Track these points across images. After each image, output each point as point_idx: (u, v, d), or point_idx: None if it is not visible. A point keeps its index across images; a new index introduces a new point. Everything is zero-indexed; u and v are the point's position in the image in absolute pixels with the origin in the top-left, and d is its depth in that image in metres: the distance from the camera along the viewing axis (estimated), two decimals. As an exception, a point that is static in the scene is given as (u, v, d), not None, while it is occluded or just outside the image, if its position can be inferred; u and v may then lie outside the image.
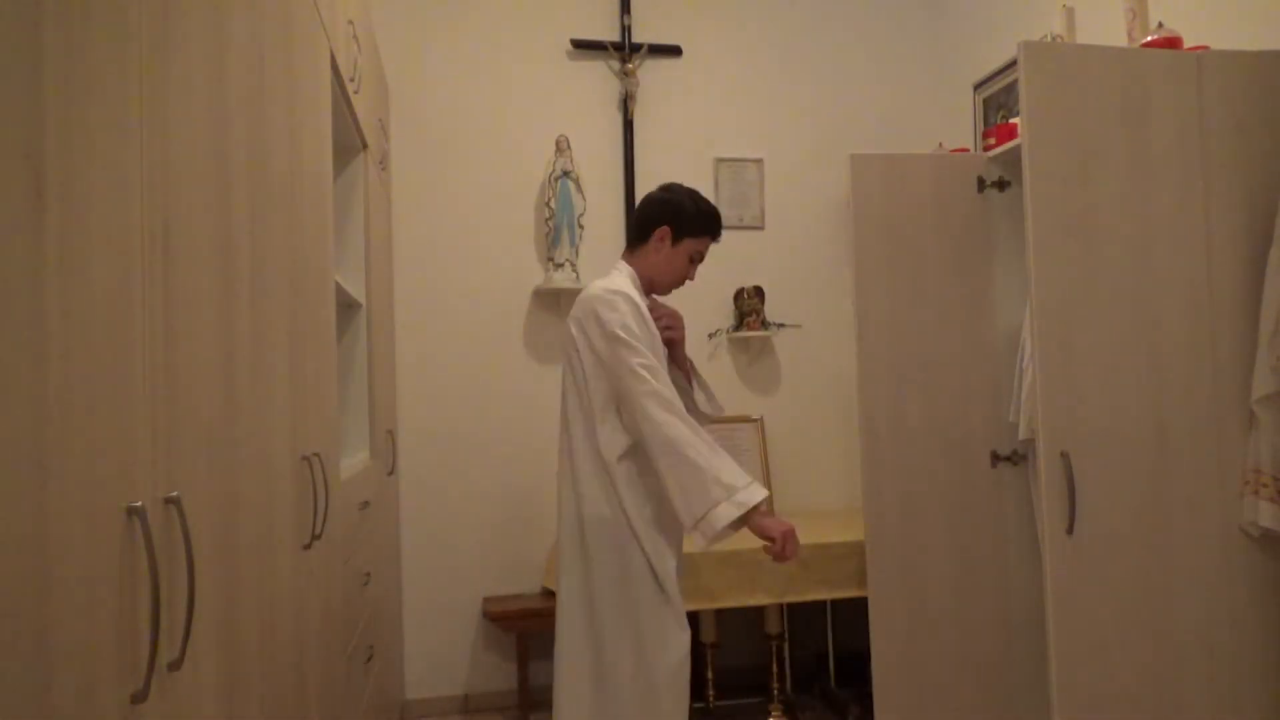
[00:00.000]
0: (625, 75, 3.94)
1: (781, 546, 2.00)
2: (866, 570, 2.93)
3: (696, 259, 2.30)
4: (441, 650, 3.72)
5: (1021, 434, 2.79)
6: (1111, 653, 2.03)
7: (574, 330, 2.16)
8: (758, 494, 1.97)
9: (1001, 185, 3.08)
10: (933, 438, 2.96)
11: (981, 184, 3.08)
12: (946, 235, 3.02)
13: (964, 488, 2.96)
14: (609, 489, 2.09)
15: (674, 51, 4.01)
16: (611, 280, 2.23)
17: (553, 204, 3.77)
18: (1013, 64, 3.48)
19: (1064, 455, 1.97)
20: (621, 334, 2.06)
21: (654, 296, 2.32)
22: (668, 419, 1.99)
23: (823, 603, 3.48)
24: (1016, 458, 2.97)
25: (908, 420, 2.97)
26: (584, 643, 2.10)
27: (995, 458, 2.99)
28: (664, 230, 2.25)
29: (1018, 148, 2.97)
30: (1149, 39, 2.21)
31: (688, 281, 2.33)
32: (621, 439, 2.09)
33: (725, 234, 4.10)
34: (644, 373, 2.02)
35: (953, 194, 3.04)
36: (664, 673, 2.05)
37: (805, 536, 3.21)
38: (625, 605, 2.07)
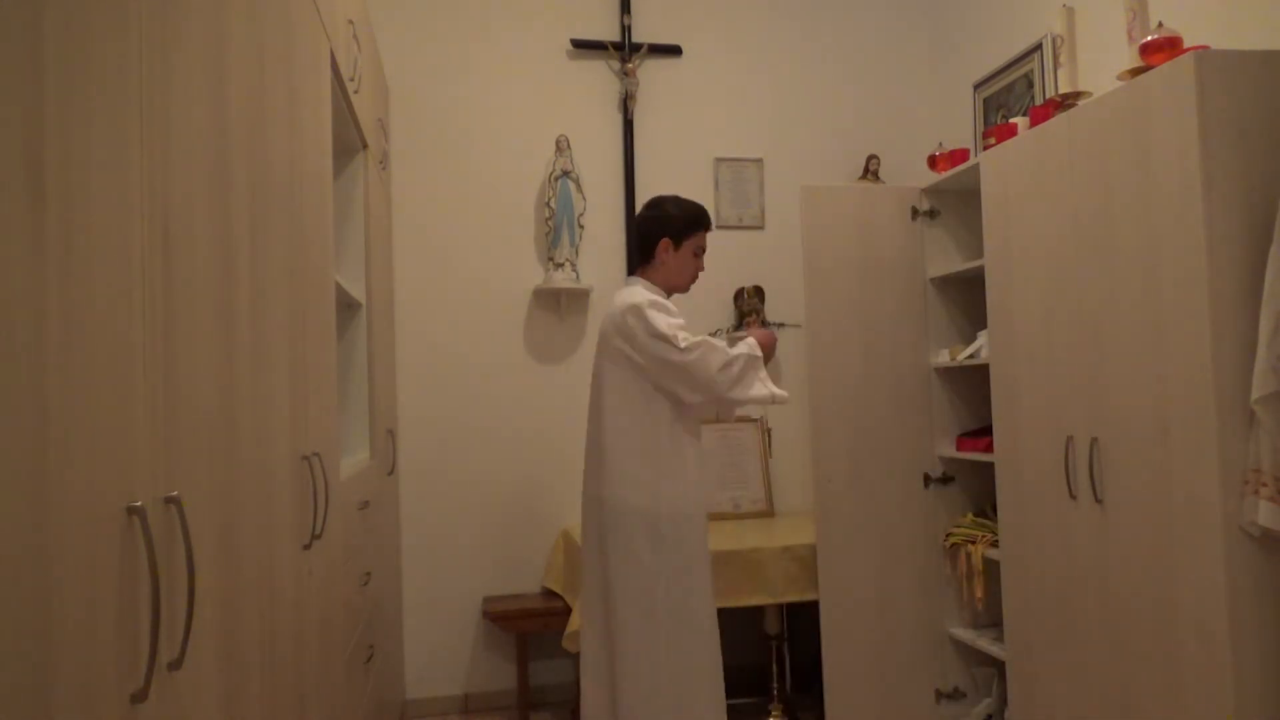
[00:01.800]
0: (625, 75, 3.94)
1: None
2: (819, 578, 3.17)
3: (700, 252, 2.59)
4: (441, 650, 3.72)
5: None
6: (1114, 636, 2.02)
7: (618, 342, 2.45)
8: (743, 343, 2.47)
9: (932, 214, 3.29)
10: (874, 458, 3.22)
11: (914, 213, 3.29)
12: (884, 262, 3.27)
13: (902, 504, 3.22)
14: (647, 478, 2.41)
15: (674, 51, 4.01)
16: (633, 294, 2.48)
17: (553, 204, 3.77)
18: (1013, 63, 3.48)
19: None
20: (665, 331, 2.38)
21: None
22: (712, 356, 2.39)
23: (823, 602, 3.48)
24: (945, 478, 3.26)
25: (853, 441, 3.21)
26: (638, 588, 2.39)
27: (927, 479, 3.24)
28: (665, 242, 2.54)
29: (947, 180, 3.17)
30: (1149, 39, 2.21)
31: (700, 274, 2.62)
32: (665, 429, 2.43)
33: (725, 234, 4.13)
34: (683, 343, 2.37)
35: (890, 222, 3.29)
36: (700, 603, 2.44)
37: (806, 537, 3.25)
38: (667, 571, 2.39)
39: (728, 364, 2.38)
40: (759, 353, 2.45)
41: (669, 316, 2.41)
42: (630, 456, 2.42)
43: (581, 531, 2.60)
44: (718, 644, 2.47)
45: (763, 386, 2.43)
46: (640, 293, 2.48)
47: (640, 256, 2.60)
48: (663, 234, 2.53)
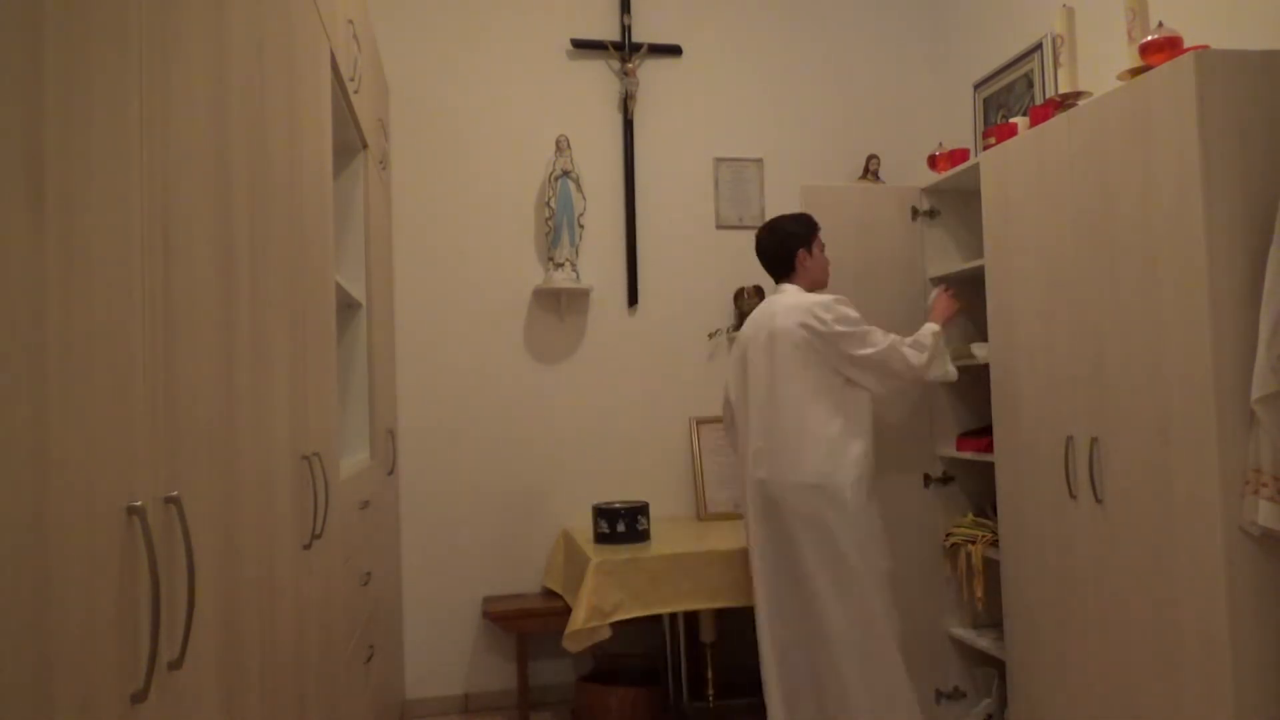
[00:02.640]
0: (625, 75, 3.94)
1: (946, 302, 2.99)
2: None
3: (822, 249, 2.97)
4: (441, 650, 3.72)
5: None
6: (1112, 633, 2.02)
7: (804, 334, 2.75)
8: (929, 331, 2.87)
9: (932, 214, 3.29)
10: (875, 458, 3.17)
11: (914, 213, 3.28)
12: (884, 262, 3.28)
13: (902, 504, 3.20)
14: (834, 455, 2.72)
15: (674, 51, 4.01)
16: (799, 297, 2.83)
17: (553, 203, 3.77)
18: (1013, 63, 3.48)
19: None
20: (852, 321, 2.76)
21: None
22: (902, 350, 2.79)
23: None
24: (945, 478, 3.28)
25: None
26: (829, 554, 2.69)
27: (927, 479, 3.25)
28: (801, 254, 2.91)
29: (947, 180, 3.17)
30: (1149, 38, 2.21)
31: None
32: (842, 415, 2.76)
33: (725, 234, 4.14)
34: (878, 337, 2.76)
35: (890, 222, 3.30)
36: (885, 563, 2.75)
37: (805, 536, 3.24)
38: (857, 535, 2.70)
39: (915, 352, 2.78)
40: (938, 332, 2.85)
41: (851, 310, 2.77)
42: (839, 439, 2.73)
43: (758, 519, 2.81)
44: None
45: (940, 365, 2.85)
46: (810, 295, 2.83)
47: (782, 270, 2.94)
48: (798, 246, 2.90)
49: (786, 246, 2.92)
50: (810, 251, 2.92)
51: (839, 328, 2.73)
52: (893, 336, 2.77)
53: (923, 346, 2.79)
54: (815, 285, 2.93)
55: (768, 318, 2.84)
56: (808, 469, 2.71)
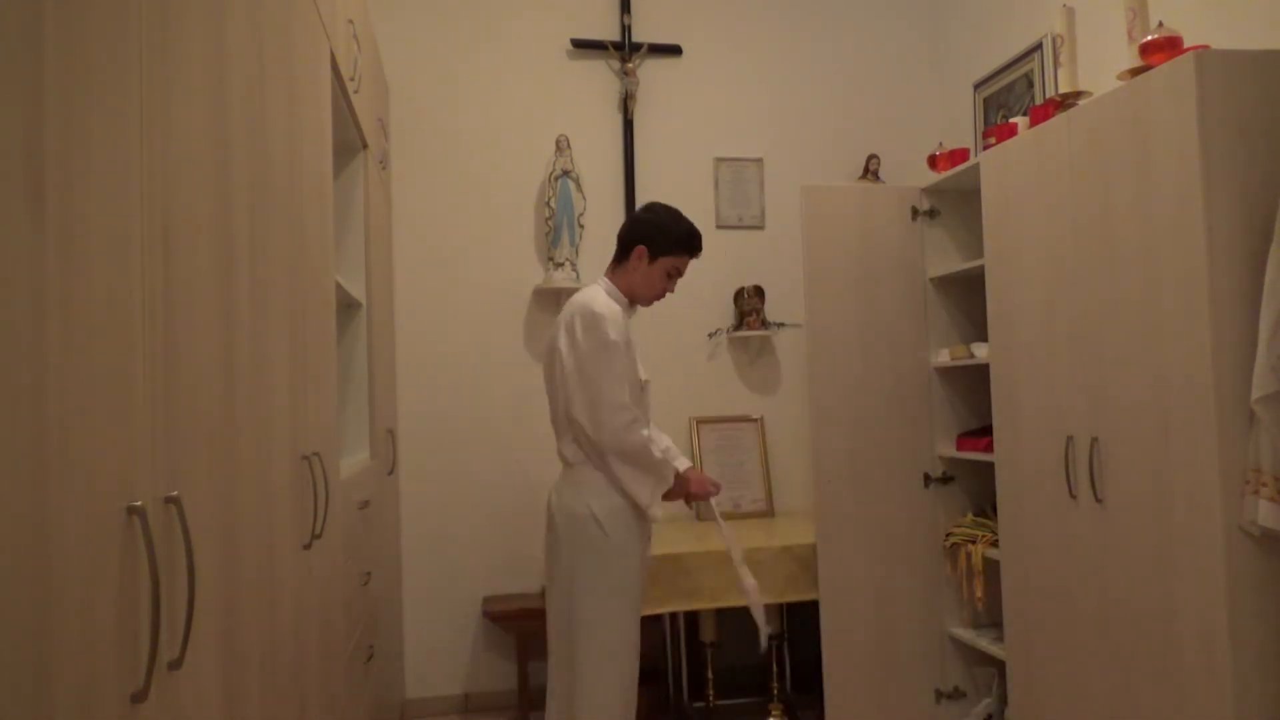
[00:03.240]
0: (625, 75, 3.94)
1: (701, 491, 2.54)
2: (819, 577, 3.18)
3: (674, 274, 2.49)
4: (441, 650, 3.72)
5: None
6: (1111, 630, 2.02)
7: (561, 342, 2.38)
8: (669, 472, 2.42)
9: (932, 214, 3.29)
10: (874, 458, 3.23)
11: (914, 213, 3.28)
12: (884, 262, 3.27)
13: (902, 504, 3.22)
14: (575, 484, 2.44)
15: (674, 51, 4.01)
16: (592, 297, 2.41)
17: (553, 203, 3.77)
18: (1013, 63, 3.48)
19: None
20: (613, 341, 2.31)
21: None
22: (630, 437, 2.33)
23: (823, 602, 3.48)
24: (945, 478, 3.26)
25: (853, 441, 3.21)
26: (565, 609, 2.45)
27: (927, 479, 3.23)
28: (640, 250, 2.44)
29: (947, 180, 3.17)
30: (1149, 38, 2.21)
31: (667, 294, 2.52)
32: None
33: (725, 234, 4.12)
34: (620, 387, 2.30)
35: (890, 222, 3.29)
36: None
37: (805, 536, 3.25)
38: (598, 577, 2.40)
39: (639, 450, 2.31)
40: (669, 478, 2.40)
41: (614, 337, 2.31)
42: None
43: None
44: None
45: (641, 489, 2.36)
46: (600, 297, 2.40)
47: (618, 254, 2.50)
48: (641, 240, 2.44)
49: (634, 234, 2.47)
50: (652, 259, 2.44)
51: (582, 352, 2.32)
52: (632, 414, 2.30)
53: (642, 451, 2.32)
54: (631, 296, 2.49)
55: (567, 305, 2.47)
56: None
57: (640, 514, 2.41)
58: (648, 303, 2.51)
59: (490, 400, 3.80)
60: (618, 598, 2.35)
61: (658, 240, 2.43)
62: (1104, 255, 2.30)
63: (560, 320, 2.44)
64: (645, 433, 2.34)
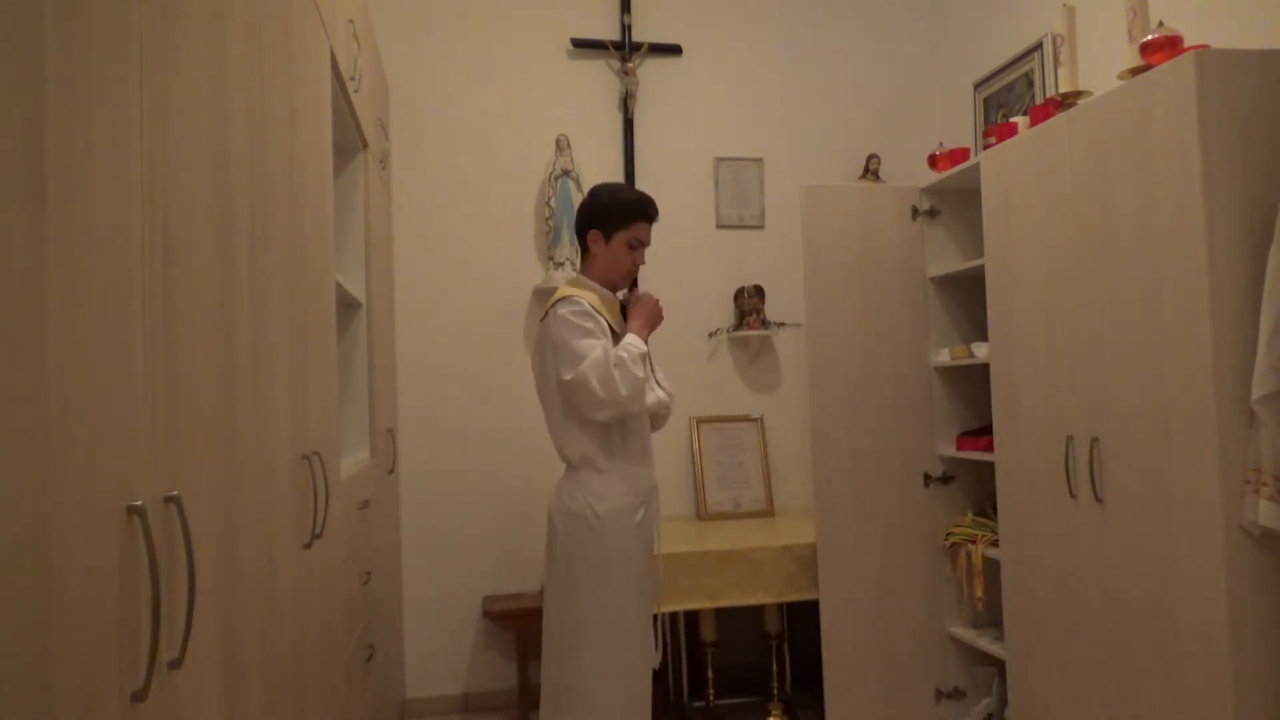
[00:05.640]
0: (625, 74, 3.94)
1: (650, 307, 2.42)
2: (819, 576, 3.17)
3: (636, 245, 2.42)
4: (441, 649, 3.72)
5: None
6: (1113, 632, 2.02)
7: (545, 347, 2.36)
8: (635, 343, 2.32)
9: (932, 214, 3.29)
10: (874, 457, 3.22)
11: (915, 213, 3.28)
12: (884, 262, 3.27)
13: (902, 504, 3.22)
14: (576, 484, 2.45)
15: (674, 51, 4.01)
16: (558, 295, 2.38)
17: (553, 203, 3.77)
18: (1013, 63, 3.48)
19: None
20: (570, 318, 2.28)
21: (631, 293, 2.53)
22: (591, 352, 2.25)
23: (823, 602, 3.48)
24: (945, 478, 3.26)
25: (853, 441, 3.20)
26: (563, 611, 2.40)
27: (927, 479, 3.23)
28: (594, 234, 2.41)
29: (947, 179, 3.16)
30: (1149, 38, 2.21)
31: (639, 267, 2.46)
32: (582, 442, 2.44)
33: (725, 234, 4.13)
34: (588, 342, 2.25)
35: (890, 222, 3.29)
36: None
37: (805, 536, 3.25)
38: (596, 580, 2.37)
39: (607, 379, 2.22)
40: (641, 348, 2.31)
41: (584, 334, 2.26)
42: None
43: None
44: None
45: (650, 393, 2.34)
46: (566, 291, 2.36)
47: (580, 249, 2.47)
48: (591, 225, 2.39)
49: (582, 223, 2.43)
50: (607, 239, 2.39)
51: (561, 342, 2.27)
52: (591, 363, 2.23)
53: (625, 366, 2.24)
54: (605, 283, 2.44)
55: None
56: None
57: (642, 515, 2.40)
58: (623, 282, 2.46)
59: (490, 399, 3.80)
60: (618, 599, 2.35)
61: (604, 220, 2.39)
62: (1104, 255, 2.30)
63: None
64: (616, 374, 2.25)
